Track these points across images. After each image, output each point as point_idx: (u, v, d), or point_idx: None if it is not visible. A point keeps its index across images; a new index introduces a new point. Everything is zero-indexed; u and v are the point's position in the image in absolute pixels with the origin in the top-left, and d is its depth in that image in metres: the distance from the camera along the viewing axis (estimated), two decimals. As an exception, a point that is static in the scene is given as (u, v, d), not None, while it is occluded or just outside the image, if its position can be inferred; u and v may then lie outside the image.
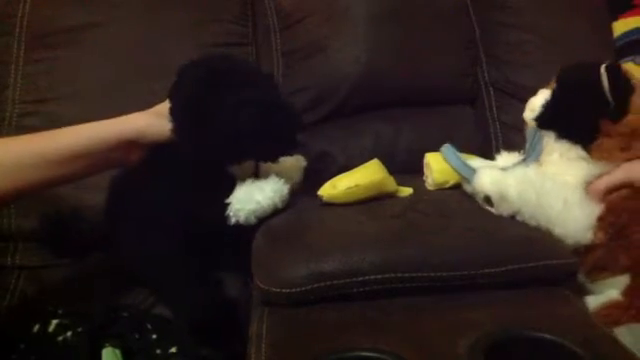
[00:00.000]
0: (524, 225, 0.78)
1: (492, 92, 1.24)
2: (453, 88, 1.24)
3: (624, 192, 0.80)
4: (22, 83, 1.11)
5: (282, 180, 0.85)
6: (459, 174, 0.87)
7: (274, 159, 0.87)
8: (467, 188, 0.86)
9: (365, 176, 0.88)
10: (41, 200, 1.05)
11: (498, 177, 0.80)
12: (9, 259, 1.06)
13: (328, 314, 0.69)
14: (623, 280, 0.81)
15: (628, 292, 0.80)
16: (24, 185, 0.78)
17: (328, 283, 0.71)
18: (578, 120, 0.81)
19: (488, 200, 0.81)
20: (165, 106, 0.84)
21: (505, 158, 0.93)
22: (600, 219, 0.79)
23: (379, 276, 0.71)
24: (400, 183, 0.92)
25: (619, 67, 0.79)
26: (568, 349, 0.60)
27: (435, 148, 0.96)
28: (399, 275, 0.71)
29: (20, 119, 1.10)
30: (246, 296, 0.89)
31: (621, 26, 1.18)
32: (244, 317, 0.80)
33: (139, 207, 0.87)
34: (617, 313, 0.79)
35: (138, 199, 0.88)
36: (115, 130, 0.83)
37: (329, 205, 0.86)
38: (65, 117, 1.09)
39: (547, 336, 0.62)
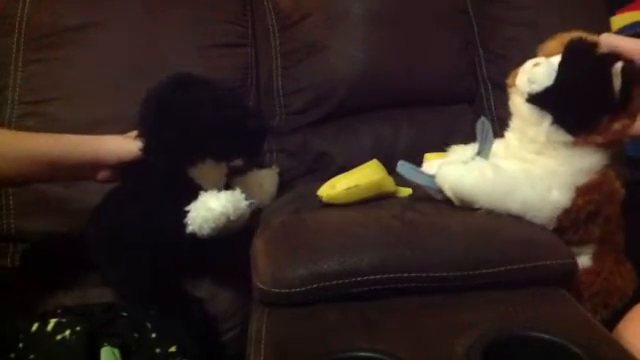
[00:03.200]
0: (523, 225, 0.78)
1: (490, 88, 1.24)
2: (452, 88, 1.24)
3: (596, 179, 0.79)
4: (21, 84, 1.11)
5: (243, 194, 0.83)
6: (424, 187, 0.86)
7: (232, 157, 0.90)
8: (437, 196, 0.84)
9: (364, 176, 0.88)
10: (41, 201, 1.05)
11: (456, 177, 0.80)
12: (8, 260, 1.06)
13: (327, 314, 0.69)
14: (592, 246, 0.82)
15: (597, 257, 0.82)
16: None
17: (327, 283, 0.70)
18: (580, 111, 0.77)
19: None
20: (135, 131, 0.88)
21: (459, 152, 0.91)
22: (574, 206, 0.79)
23: (378, 276, 0.71)
24: (399, 183, 0.92)
25: (634, 68, 0.75)
26: (567, 349, 0.60)
27: (434, 148, 0.96)
28: (398, 275, 0.71)
29: (20, 120, 1.10)
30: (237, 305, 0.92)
31: (619, 21, 1.19)
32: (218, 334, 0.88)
33: (110, 228, 0.90)
34: (589, 279, 0.81)
35: (110, 220, 0.91)
36: (88, 148, 0.87)
37: (328, 205, 0.86)
38: (64, 118, 1.09)
39: (546, 336, 0.62)
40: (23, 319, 0.76)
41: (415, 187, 0.91)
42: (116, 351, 0.74)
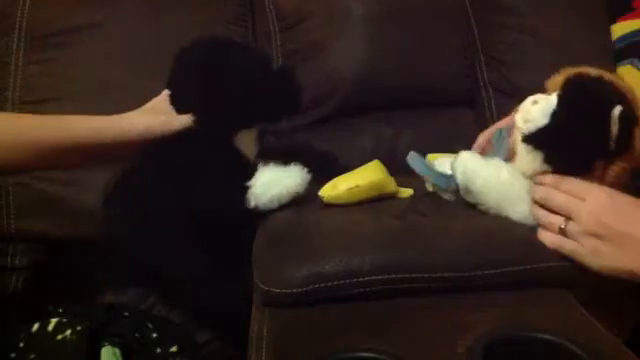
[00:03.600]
0: (525, 226, 0.78)
1: (491, 93, 1.24)
2: (453, 89, 1.24)
3: None
4: (22, 84, 1.11)
5: (305, 168, 0.84)
6: (434, 185, 0.85)
7: (282, 117, 0.91)
8: (444, 195, 0.84)
9: (365, 177, 0.88)
10: (41, 201, 1.05)
11: (474, 165, 0.79)
12: (9, 260, 1.06)
13: (328, 315, 0.69)
14: None
15: None
16: (22, 161, 0.82)
17: (328, 284, 0.70)
18: (573, 154, 0.74)
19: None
20: (160, 100, 0.86)
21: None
22: None
23: (379, 277, 0.71)
24: (400, 184, 0.92)
25: (633, 116, 0.72)
26: (568, 350, 0.60)
27: (435, 149, 0.96)
28: (399, 276, 0.71)
29: (20, 119, 1.09)
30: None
31: (620, 29, 1.19)
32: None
33: (147, 207, 0.84)
34: None
35: (145, 199, 0.85)
36: (116, 128, 0.84)
37: (329, 206, 0.86)
38: (65, 117, 1.09)
39: (547, 337, 0.62)
40: (24, 319, 0.76)
41: (417, 187, 0.91)
42: (117, 351, 0.74)
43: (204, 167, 0.83)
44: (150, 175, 0.85)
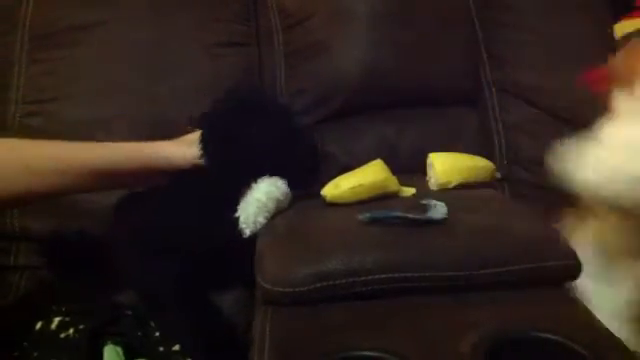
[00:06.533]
0: (527, 226, 0.78)
1: (494, 92, 1.24)
2: (455, 88, 1.24)
3: None
4: (25, 83, 1.12)
5: (274, 178, 0.85)
6: None
7: (300, 184, 0.89)
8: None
9: (368, 176, 0.88)
10: (45, 200, 1.05)
11: None
12: (12, 259, 1.07)
13: (331, 314, 0.69)
14: None
15: None
16: (40, 189, 0.80)
17: (331, 283, 0.70)
18: None
19: None
20: (194, 136, 0.87)
21: None
22: None
23: (382, 276, 0.71)
24: (403, 183, 0.92)
25: None
26: (571, 350, 0.60)
27: (438, 148, 0.96)
28: (402, 275, 0.71)
29: (23, 119, 1.10)
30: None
31: (623, 28, 1.18)
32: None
33: (143, 231, 0.87)
34: None
35: (143, 224, 0.88)
36: (144, 155, 0.86)
37: (332, 205, 0.86)
38: (68, 117, 1.10)
39: (550, 336, 0.62)
40: (27, 317, 0.76)
41: (420, 187, 0.91)
42: (119, 349, 0.74)
43: (209, 200, 0.86)
44: (146, 206, 0.90)
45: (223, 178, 0.86)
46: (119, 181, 0.88)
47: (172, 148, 0.87)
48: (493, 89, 1.24)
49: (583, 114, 0.87)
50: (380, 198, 0.88)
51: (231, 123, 0.87)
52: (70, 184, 0.81)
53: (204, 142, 0.86)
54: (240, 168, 0.85)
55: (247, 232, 0.82)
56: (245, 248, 0.81)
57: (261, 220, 0.82)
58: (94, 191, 0.94)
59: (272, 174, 0.86)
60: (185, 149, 0.86)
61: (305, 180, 0.90)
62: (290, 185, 0.87)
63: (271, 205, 0.83)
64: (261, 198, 0.82)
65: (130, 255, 0.86)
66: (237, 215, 0.82)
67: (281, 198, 0.84)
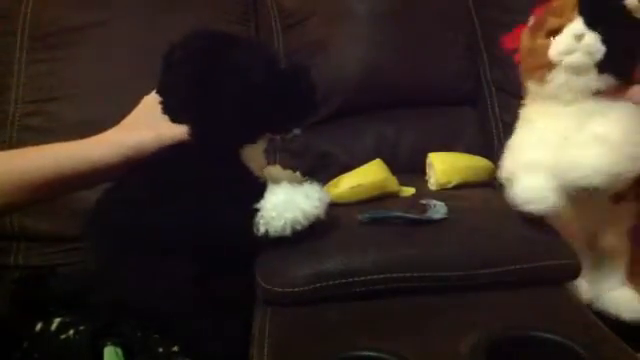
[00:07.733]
0: (527, 225, 0.78)
1: (494, 92, 1.23)
2: (455, 88, 1.24)
3: None
4: (25, 83, 1.12)
5: (323, 187, 0.74)
6: None
7: (296, 125, 0.75)
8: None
9: (367, 176, 0.88)
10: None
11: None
12: (12, 258, 1.07)
13: (330, 314, 0.69)
14: None
15: None
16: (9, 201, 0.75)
17: (330, 283, 0.71)
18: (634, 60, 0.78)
19: None
20: (145, 111, 0.77)
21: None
22: None
23: (381, 276, 0.71)
24: (402, 183, 0.92)
25: None
26: (570, 349, 0.60)
27: (437, 148, 0.96)
28: (401, 275, 0.71)
29: (23, 119, 1.10)
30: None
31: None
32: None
33: (141, 235, 0.71)
34: None
35: (139, 226, 0.71)
36: (102, 153, 0.76)
37: (332, 204, 0.86)
38: (67, 117, 1.10)
39: (549, 336, 0.62)
40: (27, 318, 0.76)
41: (419, 186, 0.91)
42: (119, 350, 0.74)
43: (203, 187, 0.71)
44: (137, 198, 0.72)
45: (214, 151, 0.72)
46: (83, 182, 0.79)
47: (97, 148, 0.75)
48: (493, 89, 1.24)
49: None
50: (380, 198, 0.88)
51: (195, 77, 0.69)
52: (28, 195, 0.75)
53: (168, 107, 0.70)
54: (230, 129, 0.70)
55: (261, 231, 0.70)
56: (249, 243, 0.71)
57: (286, 231, 0.70)
58: (63, 194, 0.84)
59: (256, 132, 0.74)
60: (123, 137, 0.74)
61: (304, 119, 0.76)
62: (288, 124, 0.75)
63: (307, 223, 0.71)
64: (306, 211, 0.70)
65: (127, 260, 0.73)
66: (259, 207, 0.69)
67: (322, 217, 0.72)
